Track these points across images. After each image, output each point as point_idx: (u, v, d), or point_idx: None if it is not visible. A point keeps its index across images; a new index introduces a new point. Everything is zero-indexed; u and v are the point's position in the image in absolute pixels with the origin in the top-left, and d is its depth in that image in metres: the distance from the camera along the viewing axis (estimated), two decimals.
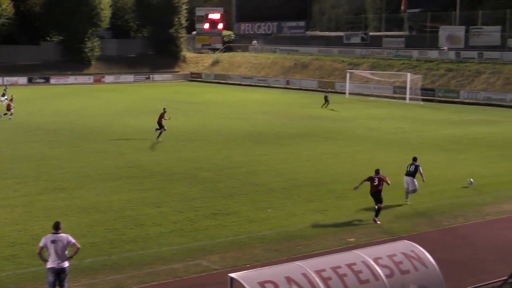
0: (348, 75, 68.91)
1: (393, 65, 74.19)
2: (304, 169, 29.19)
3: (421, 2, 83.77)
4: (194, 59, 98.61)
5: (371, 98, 65.56)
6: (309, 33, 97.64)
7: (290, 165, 30.10)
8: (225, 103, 60.13)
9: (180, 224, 20.41)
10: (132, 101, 60.53)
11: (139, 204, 22.71)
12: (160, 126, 36.81)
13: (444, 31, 76.76)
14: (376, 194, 20.89)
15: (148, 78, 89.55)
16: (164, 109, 37.73)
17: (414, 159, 23.74)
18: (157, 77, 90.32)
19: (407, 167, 23.47)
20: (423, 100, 62.35)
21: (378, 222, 20.76)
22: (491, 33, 72.76)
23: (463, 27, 75.53)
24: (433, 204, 23.27)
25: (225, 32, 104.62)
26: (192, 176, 27.37)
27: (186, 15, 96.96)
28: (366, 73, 70.98)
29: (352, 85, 68.66)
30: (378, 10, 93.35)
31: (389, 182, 21.13)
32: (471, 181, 26.10)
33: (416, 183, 23.13)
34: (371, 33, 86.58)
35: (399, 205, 22.80)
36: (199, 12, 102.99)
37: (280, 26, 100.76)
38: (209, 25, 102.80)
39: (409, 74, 64.72)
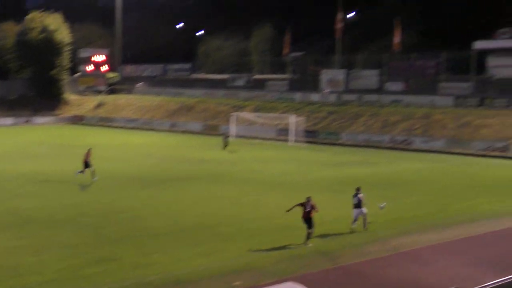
0: (232, 117, 69.54)
1: (277, 108, 75.67)
2: (189, 213, 28.98)
3: (303, 46, 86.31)
4: (78, 102, 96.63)
5: (256, 141, 66.31)
6: (194, 75, 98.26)
7: (176, 209, 29.84)
8: (109, 146, 59.06)
9: (62, 272, 19.64)
10: (10, 145, 58.34)
11: (17, 252, 21.68)
12: (88, 165, 36.84)
13: (325, 75, 79.50)
14: (307, 219, 23.08)
15: (29, 121, 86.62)
16: (90, 149, 38.16)
17: (358, 189, 25.62)
18: (38, 119, 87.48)
19: (352, 199, 25.50)
20: (306, 142, 63.77)
21: (310, 245, 22.92)
22: (369, 77, 76.16)
23: (343, 71, 78.51)
24: (318, 244, 23.55)
25: (110, 74, 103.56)
26: (74, 222, 26.53)
27: (69, 56, 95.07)
28: (250, 116, 71.85)
29: (237, 127, 69.25)
30: (262, 53, 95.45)
31: (318, 209, 23.38)
32: (382, 206, 27.69)
33: (363, 210, 25.34)
34: (255, 76, 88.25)
35: (286, 246, 22.98)
36: (83, 53, 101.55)
37: (165, 69, 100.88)
38: (94, 67, 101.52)
39: (292, 117, 66.16)
